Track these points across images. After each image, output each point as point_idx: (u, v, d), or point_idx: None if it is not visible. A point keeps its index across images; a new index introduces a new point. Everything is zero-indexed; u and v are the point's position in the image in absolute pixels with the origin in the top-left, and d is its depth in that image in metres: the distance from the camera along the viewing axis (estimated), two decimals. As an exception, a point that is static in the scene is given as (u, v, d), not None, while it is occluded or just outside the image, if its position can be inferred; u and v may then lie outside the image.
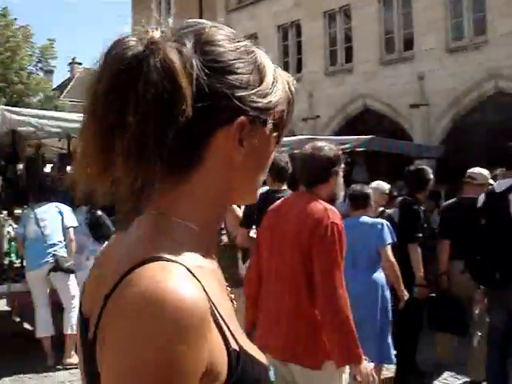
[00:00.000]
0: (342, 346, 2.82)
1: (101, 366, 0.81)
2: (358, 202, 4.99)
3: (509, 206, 4.55)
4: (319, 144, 3.30)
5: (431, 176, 5.88)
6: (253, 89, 0.93)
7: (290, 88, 1.01)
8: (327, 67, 19.50)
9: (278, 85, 0.97)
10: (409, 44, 17.44)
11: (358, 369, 2.83)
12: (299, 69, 20.20)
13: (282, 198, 3.50)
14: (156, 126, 0.83)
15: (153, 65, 0.83)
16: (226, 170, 0.94)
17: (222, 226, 6.31)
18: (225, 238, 6.27)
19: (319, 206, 3.05)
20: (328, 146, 3.27)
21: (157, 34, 0.88)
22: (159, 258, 0.82)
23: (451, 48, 16.33)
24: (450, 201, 6.26)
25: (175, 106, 0.84)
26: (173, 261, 0.83)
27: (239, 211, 5.77)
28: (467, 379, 5.64)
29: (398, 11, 17.77)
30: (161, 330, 0.75)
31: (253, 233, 5.40)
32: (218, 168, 0.93)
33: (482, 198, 4.92)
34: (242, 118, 0.91)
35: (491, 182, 5.80)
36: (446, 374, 5.70)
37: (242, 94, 0.91)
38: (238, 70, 0.92)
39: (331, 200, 3.23)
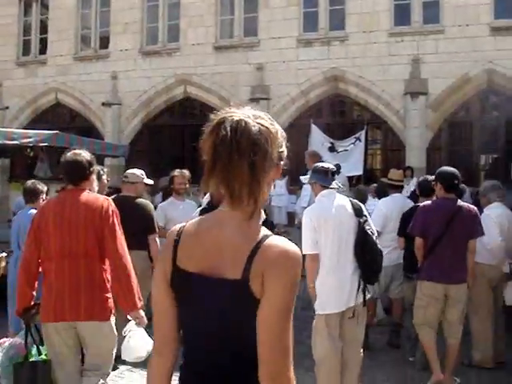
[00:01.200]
0: (126, 297, 3.81)
1: (274, 288, 1.60)
2: None
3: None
4: (77, 151, 4.04)
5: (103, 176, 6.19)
6: (283, 147, 1.76)
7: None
8: (19, 56, 18.59)
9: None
10: (105, 42, 17.44)
11: (138, 313, 3.83)
12: (-12, 55, 18.90)
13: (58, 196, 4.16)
14: (272, 165, 1.72)
15: (269, 138, 1.67)
16: (268, 187, 1.72)
17: None
18: None
19: (98, 196, 4.02)
20: (83, 151, 4.06)
21: (252, 116, 1.69)
22: (272, 234, 1.69)
23: (145, 51, 16.77)
24: (113, 196, 6.51)
25: (278, 158, 1.75)
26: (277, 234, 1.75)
27: None
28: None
29: (97, 8, 17.70)
30: (300, 267, 1.66)
31: None
32: (266, 185, 1.71)
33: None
34: (282, 162, 1.78)
35: (147, 181, 6.50)
36: (123, 368, 5.63)
37: (282, 150, 1.76)
38: (281, 138, 1.75)
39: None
